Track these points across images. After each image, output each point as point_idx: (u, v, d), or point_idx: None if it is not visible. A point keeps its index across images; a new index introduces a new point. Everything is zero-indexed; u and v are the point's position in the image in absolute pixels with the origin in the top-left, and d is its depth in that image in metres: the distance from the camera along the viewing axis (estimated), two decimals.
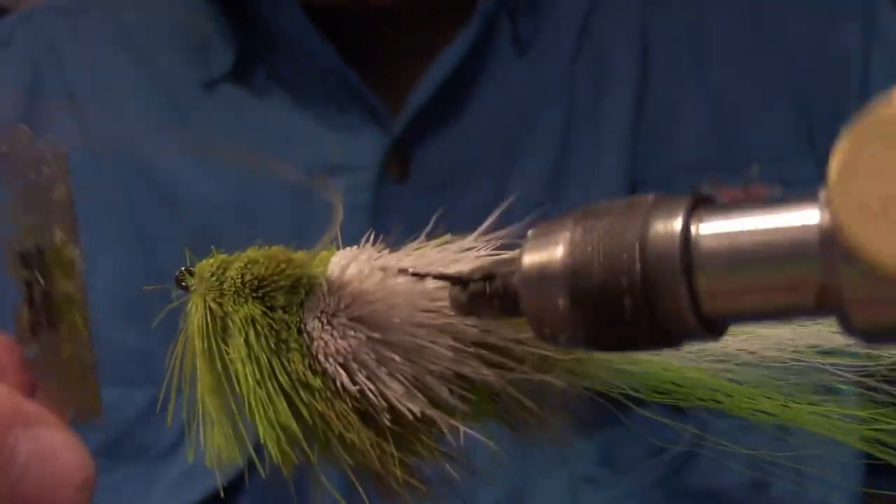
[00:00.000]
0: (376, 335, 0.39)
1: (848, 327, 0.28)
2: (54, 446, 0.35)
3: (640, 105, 0.82)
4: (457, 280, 0.37)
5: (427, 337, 0.39)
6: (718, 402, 0.43)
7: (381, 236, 0.41)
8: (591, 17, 0.85)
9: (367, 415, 0.39)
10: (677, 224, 0.31)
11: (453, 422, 0.39)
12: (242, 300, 0.39)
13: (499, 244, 0.41)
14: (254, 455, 0.40)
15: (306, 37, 0.80)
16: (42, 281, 0.37)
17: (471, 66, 0.81)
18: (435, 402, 0.39)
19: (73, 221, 0.38)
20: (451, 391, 0.39)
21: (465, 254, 0.41)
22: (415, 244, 0.41)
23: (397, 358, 0.39)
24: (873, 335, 0.28)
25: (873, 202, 0.25)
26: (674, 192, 0.32)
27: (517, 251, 0.36)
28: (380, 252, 0.40)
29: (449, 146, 0.81)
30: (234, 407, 0.40)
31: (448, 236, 0.41)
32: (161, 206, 0.81)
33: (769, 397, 0.43)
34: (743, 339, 0.43)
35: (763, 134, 0.82)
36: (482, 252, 0.41)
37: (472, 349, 0.39)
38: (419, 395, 0.38)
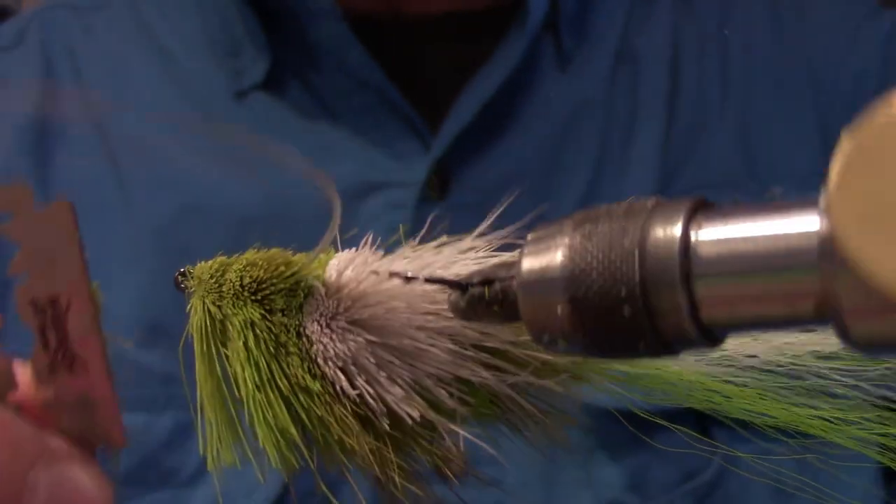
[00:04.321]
0: (375, 338, 0.39)
1: (845, 337, 0.28)
2: (77, 482, 0.34)
3: (671, 120, 0.80)
4: (455, 284, 0.37)
5: (426, 340, 0.39)
6: (716, 403, 0.43)
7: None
8: (627, 30, 0.83)
9: (366, 419, 0.39)
10: (677, 230, 0.30)
11: (453, 426, 0.39)
12: (241, 303, 0.39)
13: (497, 245, 0.40)
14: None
15: (347, 50, 0.77)
16: (54, 327, 0.37)
17: (514, 82, 0.79)
18: (434, 405, 0.39)
19: (83, 265, 0.38)
20: (450, 394, 0.39)
21: (464, 255, 0.41)
22: (411, 245, 0.40)
23: (396, 361, 0.38)
24: (870, 346, 0.28)
25: (873, 210, 0.25)
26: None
27: (516, 253, 0.35)
28: (378, 254, 0.40)
29: (490, 164, 0.79)
30: (233, 410, 0.40)
31: (445, 237, 0.41)
32: (190, 218, 0.77)
33: (767, 399, 0.43)
34: (744, 343, 0.43)
35: (787, 153, 0.80)
36: (481, 254, 0.40)
37: (471, 352, 0.39)
38: (418, 398, 0.38)
